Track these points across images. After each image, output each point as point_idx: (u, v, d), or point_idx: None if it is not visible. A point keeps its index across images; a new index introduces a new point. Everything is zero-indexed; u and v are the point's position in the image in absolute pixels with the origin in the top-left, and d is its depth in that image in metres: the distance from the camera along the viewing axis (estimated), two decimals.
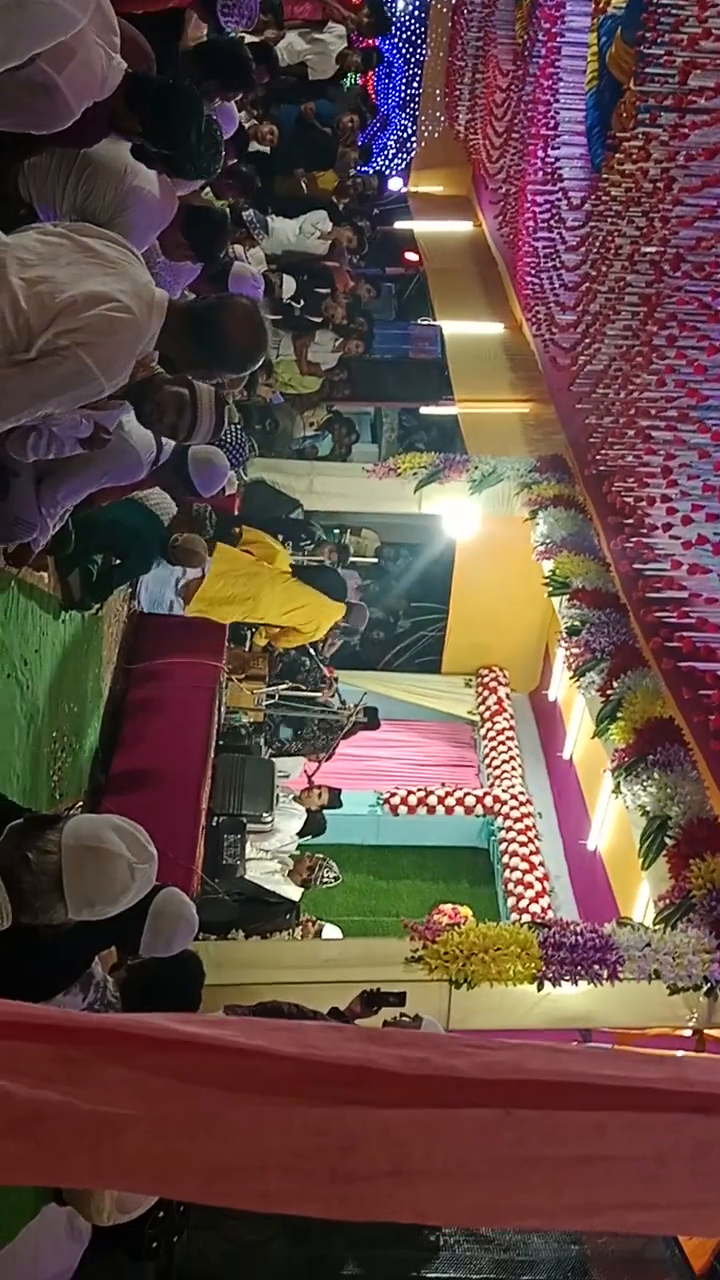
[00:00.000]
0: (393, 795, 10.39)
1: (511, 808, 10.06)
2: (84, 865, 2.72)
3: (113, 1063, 1.23)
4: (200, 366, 3.58)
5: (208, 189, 6.19)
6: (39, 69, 2.94)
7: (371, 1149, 1.27)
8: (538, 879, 9.45)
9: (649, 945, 5.63)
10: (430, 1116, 1.28)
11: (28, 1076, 1.20)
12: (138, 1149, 1.22)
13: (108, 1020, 1.29)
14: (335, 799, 8.29)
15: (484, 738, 11.01)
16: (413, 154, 14.96)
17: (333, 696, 8.58)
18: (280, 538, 8.68)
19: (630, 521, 6.67)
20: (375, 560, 12.19)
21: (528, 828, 9.88)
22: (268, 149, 8.48)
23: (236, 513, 8.55)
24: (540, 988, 5.63)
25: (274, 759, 8.00)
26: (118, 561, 5.86)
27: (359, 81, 11.54)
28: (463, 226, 14.10)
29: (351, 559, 11.11)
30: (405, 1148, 1.27)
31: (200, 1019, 1.38)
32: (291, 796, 8.19)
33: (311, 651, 8.63)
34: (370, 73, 12.32)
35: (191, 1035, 1.25)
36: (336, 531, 11.44)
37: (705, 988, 5.49)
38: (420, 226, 14.24)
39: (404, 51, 14.47)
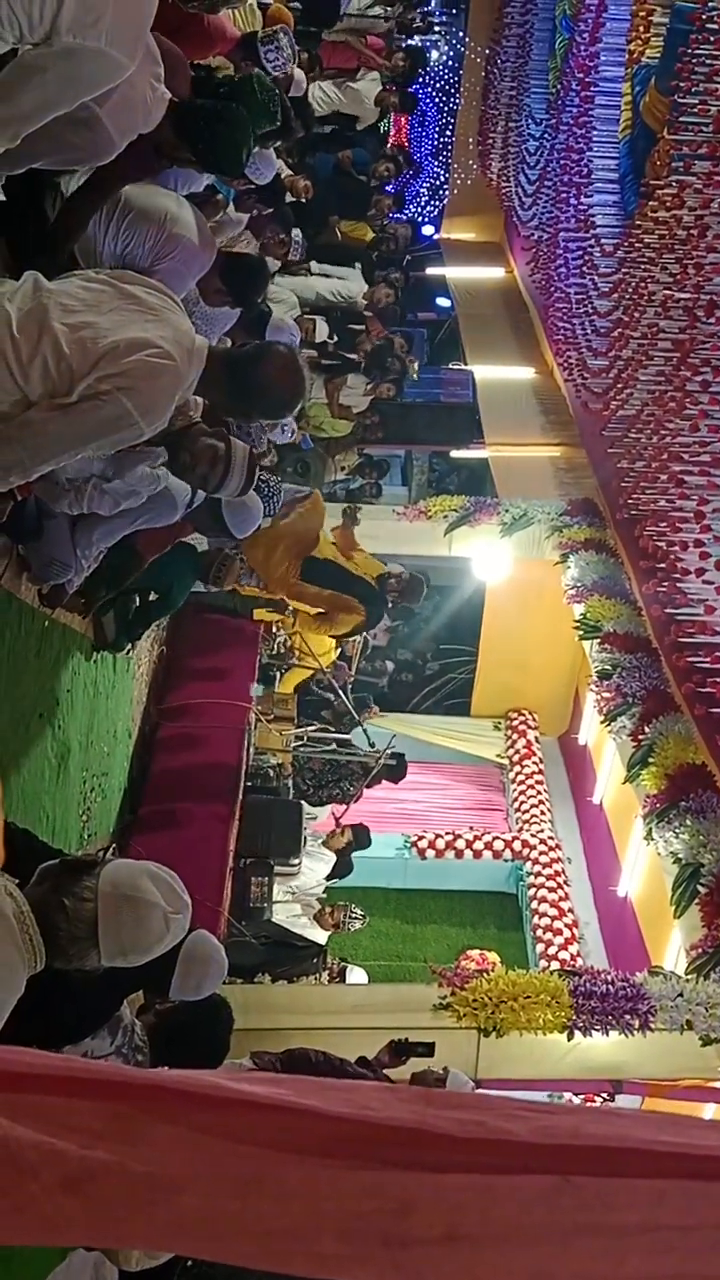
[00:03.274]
0: (420, 838, 10.33)
1: (540, 853, 9.99)
2: (120, 914, 2.69)
3: (165, 1121, 1.21)
4: (238, 412, 3.62)
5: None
6: (81, 103, 2.97)
7: (425, 1213, 1.24)
8: (567, 925, 9.35)
9: (681, 995, 5.56)
10: (486, 1181, 1.25)
11: (78, 1134, 1.18)
12: (190, 1210, 1.20)
13: (158, 1077, 1.27)
14: (364, 837, 8.23)
15: (513, 781, 10.94)
16: (445, 201, 15.10)
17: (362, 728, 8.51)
18: None
19: (662, 566, 6.65)
20: None
21: (557, 873, 9.80)
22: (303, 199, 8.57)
23: None
24: (570, 1037, 5.56)
25: (301, 801, 7.96)
26: (154, 597, 5.88)
27: (394, 126, 11.70)
28: (494, 272, 14.21)
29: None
30: (460, 1213, 1.24)
31: (252, 1076, 1.36)
32: (320, 840, 8.15)
33: (339, 689, 8.61)
34: (405, 118, 12.46)
35: (244, 1094, 1.23)
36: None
37: None
38: (452, 272, 14.36)
39: (438, 100, 14.65)
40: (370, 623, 7.80)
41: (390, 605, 7.77)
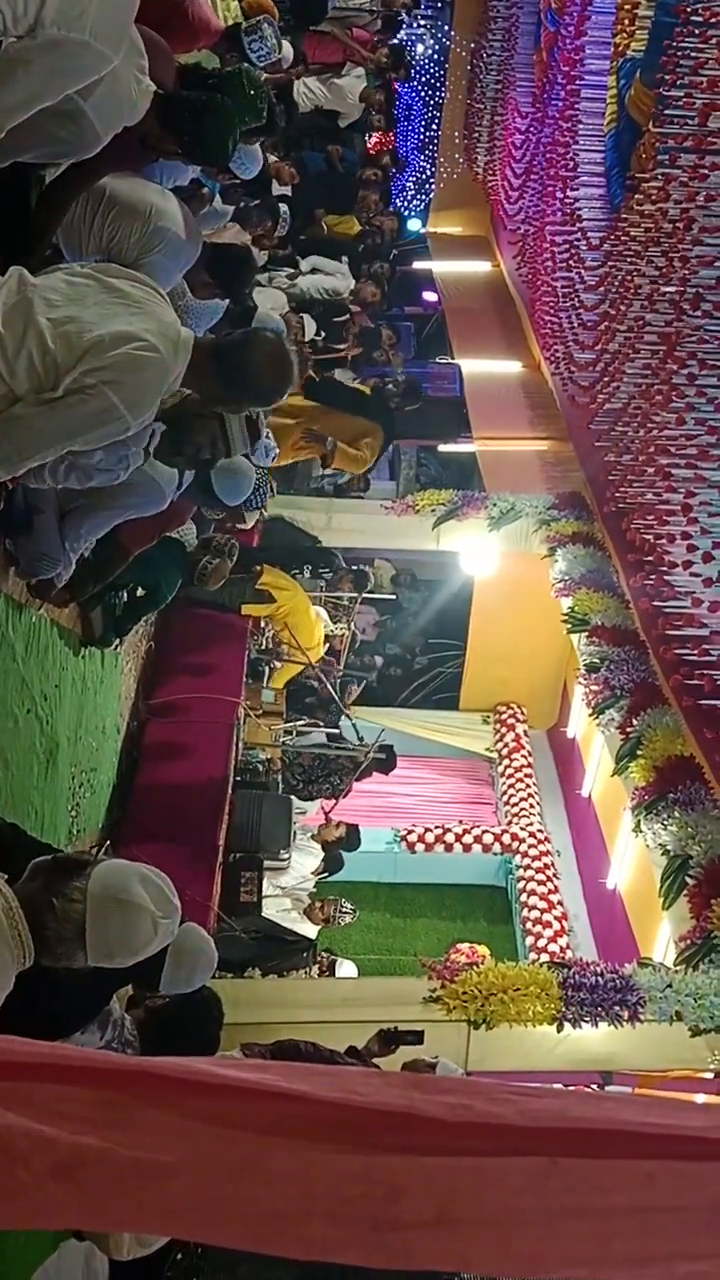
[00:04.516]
0: (410, 832, 10.34)
1: (530, 846, 10.00)
2: (109, 916, 2.68)
3: (154, 1107, 1.22)
4: (229, 402, 3.59)
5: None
6: (65, 96, 2.97)
7: (415, 1197, 1.25)
8: (556, 918, 9.38)
9: (670, 986, 5.57)
10: (474, 1164, 1.26)
11: (68, 1120, 1.19)
12: (180, 1195, 1.21)
13: (147, 1064, 1.28)
14: (354, 838, 8.24)
15: (502, 775, 10.97)
16: (431, 195, 15.09)
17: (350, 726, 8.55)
18: (302, 566, 8.75)
19: (650, 558, 6.66)
20: (393, 594, 12.20)
21: (546, 866, 9.82)
22: (289, 190, 8.55)
23: (256, 546, 8.59)
24: (560, 1029, 5.58)
25: (291, 795, 7.97)
26: (141, 593, 5.87)
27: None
28: (481, 266, 14.21)
29: (368, 594, 11.10)
30: (449, 1196, 1.25)
31: (241, 1063, 1.36)
32: (309, 834, 8.16)
33: (322, 678, 8.63)
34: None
35: (233, 1079, 1.24)
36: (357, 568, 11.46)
37: None
38: (439, 266, 14.35)
39: (423, 94, 14.62)
40: (388, 436, 8.14)
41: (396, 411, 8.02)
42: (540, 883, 9.64)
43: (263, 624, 8.52)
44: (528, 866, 9.83)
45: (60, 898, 2.65)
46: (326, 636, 9.28)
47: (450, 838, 10.27)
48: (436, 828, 10.37)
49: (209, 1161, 1.23)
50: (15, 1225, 1.24)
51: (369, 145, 11.51)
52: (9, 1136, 1.17)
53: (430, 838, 10.29)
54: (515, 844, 10.08)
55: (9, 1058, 1.23)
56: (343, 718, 8.66)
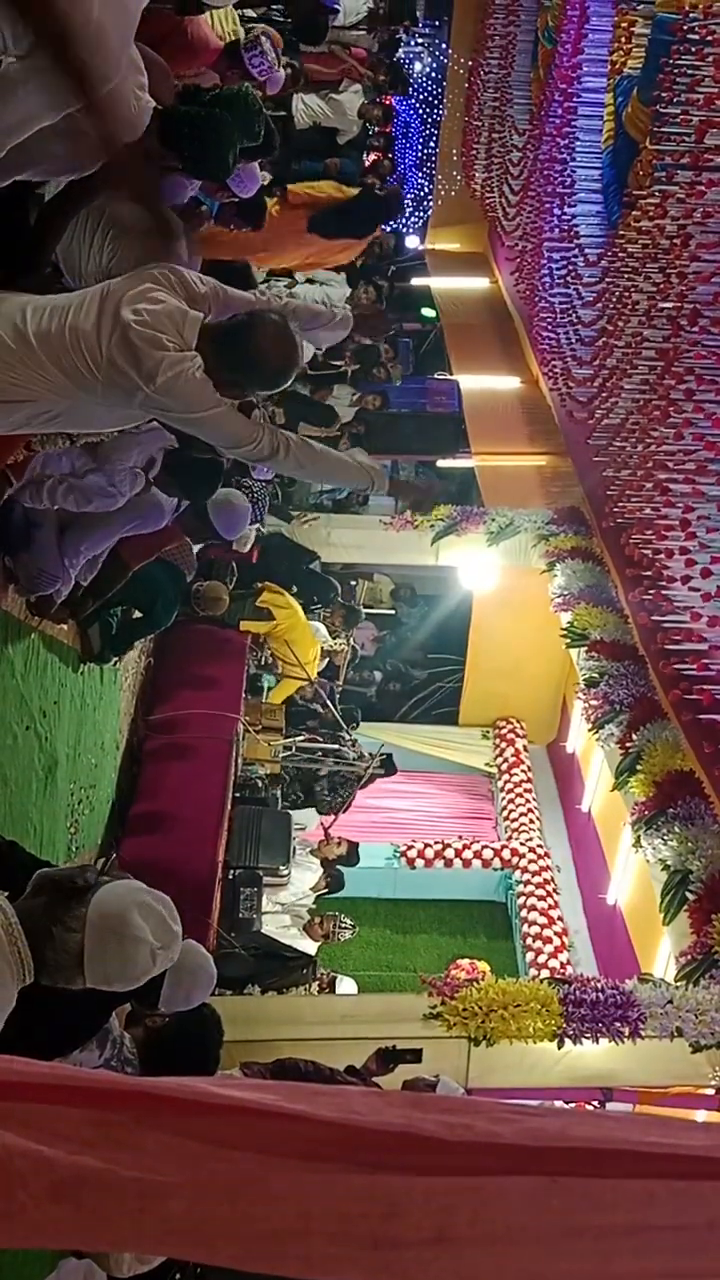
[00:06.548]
0: (410, 848, 10.33)
1: (530, 861, 9.99)
2: (106, 948, 2.67)
3: (153, 1127, 1.22)
4: (234, 385, 3.56)
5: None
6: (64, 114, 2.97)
7: (414, 1216, 1.25)
8: (557, 934, 9.36)
9: (671, 1002, 5.56)
10: (474, 1183, 1.26)
11: (67, 1141, 1.19)
12: (179, 1215, 1.21)
13: (146, 1084, 1.28)
14: (353, 854, 8.23)
15: (501, 790, 10.96)
16: (429, 212, 15.15)
17: (351, 743, 8.54)
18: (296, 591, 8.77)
19: (648, 574, 6.66)
20: (392, 609, 12.21)
21: (546, 881, 9.81)
22: None
23: (254, 562, 8.60)
24: (561, 1045, 5.56)
25: (290, 811, 7.96)
26: (138, 615, 5.88)
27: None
28: (479, 283, 14.25)
29: (367, 608, 11.13)
30: (449, 1215, 1.25)
31: (240, 1083, 1.36)
32: (308, 850, 8.14)
33: (324, 697, 8.64)
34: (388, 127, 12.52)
35: (232, 1099, 1.24)
36: (353, 583, 11.49)
37: None
38: (437, 283, 14.40)
39: (421, 112, 14.70)
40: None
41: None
42: (540, 898, 9.63)
43: (261, 640, 8.54)
44: (528, 882, 9.82)
45: (59, 925, 2.63)
46: (325, 651, 9.29)
47: (450, 853, 10.25)
48: (436, 843, 10.36)
49: (208, 1181, 1.22)
50: (14, 1245, 1.23)
51: (366, 163, 11.56)
52: (7, 1157, 1.17)
53: (430, 853, 10.28)
54: (515, 859, 10.07)
55: (7, 1077, 1.23)
56: (342, 734, 8.66)
